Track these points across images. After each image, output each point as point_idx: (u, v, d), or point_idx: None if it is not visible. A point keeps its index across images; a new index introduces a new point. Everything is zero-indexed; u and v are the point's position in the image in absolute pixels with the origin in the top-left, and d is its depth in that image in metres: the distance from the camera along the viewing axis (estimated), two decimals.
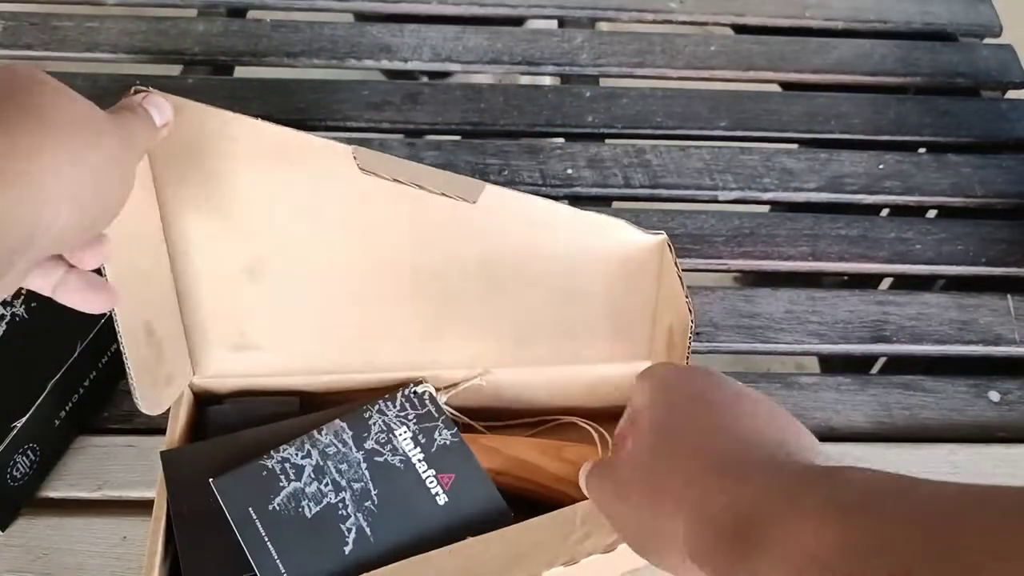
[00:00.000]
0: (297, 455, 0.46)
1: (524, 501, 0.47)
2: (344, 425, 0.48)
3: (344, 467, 0.46)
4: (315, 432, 0.47)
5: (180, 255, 0.47)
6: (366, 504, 0.45)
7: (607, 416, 0.50)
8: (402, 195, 0.44)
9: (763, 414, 0.34)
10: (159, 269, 0.47)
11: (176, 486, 0.46)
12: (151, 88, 0.40)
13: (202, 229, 0.46)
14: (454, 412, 0.51)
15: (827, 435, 0.59)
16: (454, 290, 0.49)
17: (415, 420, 0.48)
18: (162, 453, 0.47)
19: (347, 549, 0.43)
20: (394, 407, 0.49)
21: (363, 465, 0.46)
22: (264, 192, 0.45)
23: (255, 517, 0.44)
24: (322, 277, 0.48)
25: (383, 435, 0.48)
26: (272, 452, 0.46)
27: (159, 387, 0.48)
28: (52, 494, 0.54)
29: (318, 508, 0.45)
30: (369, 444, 0.47)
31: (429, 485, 0.46)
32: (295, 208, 0.46)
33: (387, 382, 0.51)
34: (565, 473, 0.48)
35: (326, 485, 0.45)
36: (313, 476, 0.46)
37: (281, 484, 0.45)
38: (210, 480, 0.45)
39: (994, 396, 0.62)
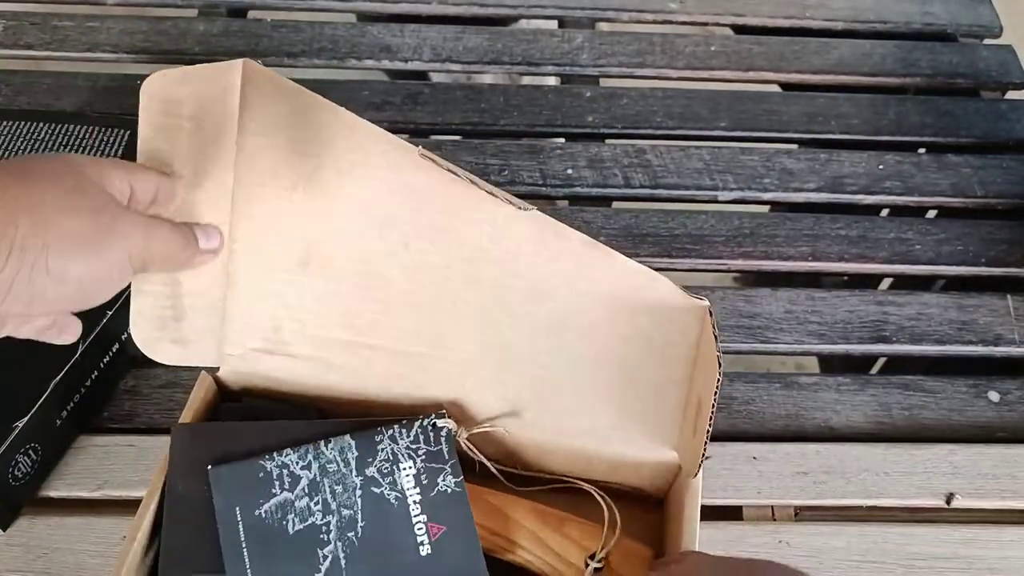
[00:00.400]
0: (298, 463, 0.45)
1: (511, 568, 0.46)
2: (352, 443, 0.46)
3: (339, 489, 0.44)
4: (322, 443, 0.46)
5: (242, 228, 0.46)
6: (349, 535, 0.43)
7: (623, 494, 0.49)
8: (457, 215, 0.45)
9: None
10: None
11: (179, 462, 0.45)
12: (211, 223, 0.44)
13: (268, 207, 0.46)
14: (471, 448, 0.48)
15: (827, 435, 0.59)
16: (492, 322, 0.47)
17: (424, 457, 0.46)
18: (177, 425, 0.46)
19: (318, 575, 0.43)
20: (407, 437, 0.46)
21: (358, 492, 0.44)
22: (335, 180, 0.45)
23: (239, 519, 0.43)
24: (366, 285, 0.47)
25: (387, 464, 0.45)
26: (275, 454, 0.45)
27: (164, 339, 0.47)
28: (52, 494, 0.54)
29: (302, 526, 0.43)
30: (370, 471, 0.45)
31: (417, 531, 0.44)
32: (359, 205, 0.46)
33: (407, 407, 0.49)
34: (562, 549, 0.46)
35: (316, 504, 0.44)
36: (306, 491, 0.44)
37: (273, 491, 0.44)
38: (208, 467, 0.45)
39: (994, 396, 0.62)
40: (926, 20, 0.88)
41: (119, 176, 0.39)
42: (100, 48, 0.79)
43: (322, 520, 0.44)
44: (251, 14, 0.85)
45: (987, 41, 0.87)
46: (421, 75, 0.84)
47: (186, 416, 0.48)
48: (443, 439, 0.46)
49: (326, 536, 0.43)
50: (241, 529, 0.43)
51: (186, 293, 0.46)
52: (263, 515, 0.43)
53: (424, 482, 0.45)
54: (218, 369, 0.49)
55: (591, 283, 0.46)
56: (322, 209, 0.46)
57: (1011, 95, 0.83)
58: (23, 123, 0.64)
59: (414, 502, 0.44)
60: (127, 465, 0.55)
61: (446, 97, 0.78)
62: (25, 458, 0.52)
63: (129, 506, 0.53)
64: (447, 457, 0.46)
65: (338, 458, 0.45)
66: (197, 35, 0.80)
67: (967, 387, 0.62)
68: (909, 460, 0.58)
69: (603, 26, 0.88)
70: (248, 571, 0.42)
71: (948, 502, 0.56)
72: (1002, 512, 0.57)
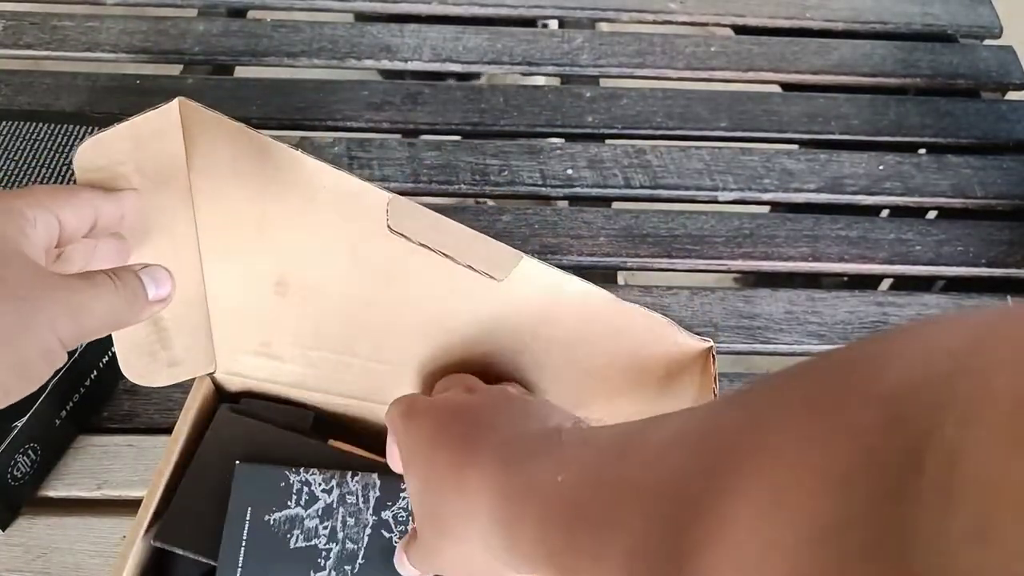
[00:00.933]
0: (320, 485, 0.45)
1: None
2: (377, 483, 0.46)
3: (351, 522, 0.45)
4: (349, 474, 0.46)
5: (212, 259, 0.46)
6: (346, 567, 0.44)
7: None
8: (429, 288, 0.43)
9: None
10: (184, 268, 0.46)
11: (220, 434, 0.46)
12: (153, 264, 0.38)
13: (235, 241, 0.45)
14: None
15: None
16: (474, 356, 0.47)
17: None
18: (226, 406, 0.48)
19: None
20: None
21: (368, 531, 0.45)
22: (297, 223, 0.44)
23: (247, 519, 0.44)
24: (345, 307, 0.47)
25: (404, 514, 0.46)
26: (301, 469, 0.46)
27: (156, 365, 0.47)
28: (51, 493, 0.54)
29: (304, 544, 0.44)
30: (386, 515, 0.45)
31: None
32: (327, 240, 0.44)
33: None
34: None
35: (325, 528, 0.44)
36: (319, 513, 0.45)
37: (289, 503, 0.45)
38: (236, 462, 0.45)
39: None
40: (926, 21, 0.88)
41: (40, 214, 0.33)
42: (100, 48, 0.79)
43: (325, 545, 0.44)
44: (251, 14, 0.85)
45: (987, 42, 0.87)
46: (419, 75, 0.84)
47: (184, 417, 0.48)
48: None
49: (323, 562, 0.44)
50: (246, 529, 0.44)
51: (166, 318, 0.46)
52: (271, 522, 0.44)
53: None
54: (215, 371, 0.49)
55: (590, 345, 0.44)
56: (288, 240, 0.45)
57: (1011, 96, 0.83)
58: (23, 123, 0.63)
59: None
60: (126, 465, 0.55)
61: (446, 97, 0.77)
62: (24, 458, 0.51)
63: (129, 506, 0.53)
64: None
65: (360, 492, 0.46)
66: (197, 35, 0.80)
67: None
68: None
69: (603, 26, 0.88)
70: (239, 570, 0.43)
71: None
72: None
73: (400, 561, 0.40)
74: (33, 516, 0.53)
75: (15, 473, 0.51)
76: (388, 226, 0.41)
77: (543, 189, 0.72)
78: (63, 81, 0.75)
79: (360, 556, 0.44)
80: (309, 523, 0.44)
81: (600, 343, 0.44)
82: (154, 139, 0.41)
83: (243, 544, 0.43)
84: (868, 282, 0.79)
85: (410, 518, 0.45)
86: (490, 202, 0.90)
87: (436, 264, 0.42)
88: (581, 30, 0.85)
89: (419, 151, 0.73)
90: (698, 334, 0.43)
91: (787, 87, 0.85)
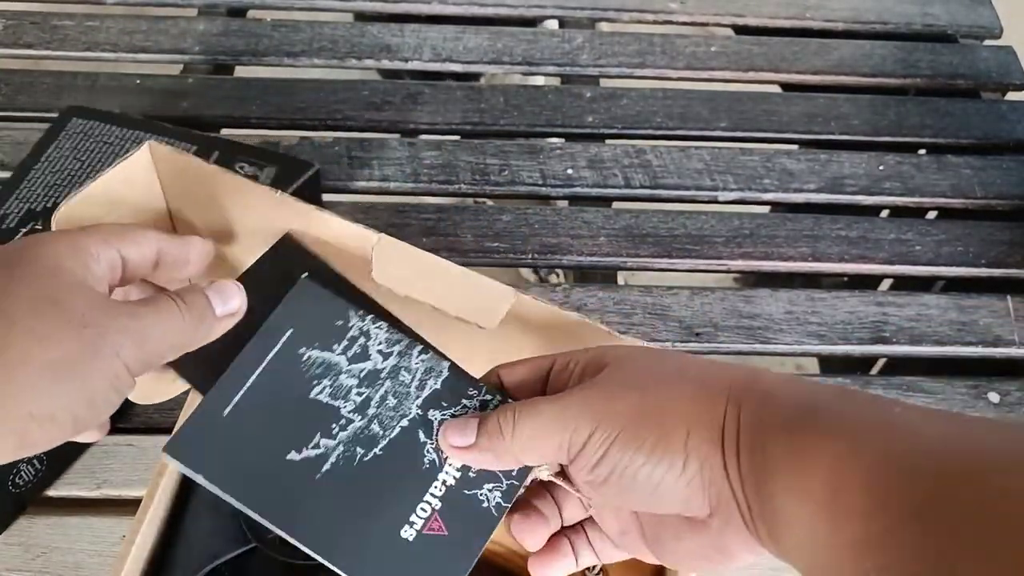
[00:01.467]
0: (380, 345, 0.38)
1: (495, 569, 0.45)
2: (445, 374, 0.37)
3: (391, 403, 0.37)
4: (418, 348, 0.38)
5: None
6: (357, 449, 0.36)
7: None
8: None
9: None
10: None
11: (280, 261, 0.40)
12: (221, 279, 0.37)
13: (221, 272, 0.46)
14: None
15: None
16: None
17: (477, 407, 0.38)
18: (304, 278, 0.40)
19: (293, 458, 0.35)
20: (480, 392, 0.38)
21: (403, 422, 0.36)
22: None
23: (282, 340, 0.37)
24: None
25: (448, 400, 0.37)
26: (369, 317, 0.38)
27: (161, 384, 0.47)
28: (51, 493, 0.54)
29: (326, 400, 0.36)
30: (434, 415, 0.37)
31: (418, 511, 0.35)
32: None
33: None
34: None
35: (359, 394, 0.36)
36: (362, 375, 0.37)
37: (335, 346, 0.37)
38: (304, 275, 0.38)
39: (994, 397, 0.62)
40: (926, 21, 0.88)
41: (104, 250, 0.34)
42: (100, 47, 0.79)
43: (349, 413, 0.36)
44: (251, 14, 0.85)
45: (987, 42, 0.87)
46: (419, 75, 0.84)
47: (184, 417, 0.48)
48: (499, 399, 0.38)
49: (336, 431, 0.36)
50: (275, 352, 0.37)
51: None
52: (304, 357, 0.37)
53: (471, 475, 0.36)
54: None
55: None
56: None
57: (1011, 96, 0.83)
58: (97, 123, 0.63)
59: (441, 482, 0.36)
60: (126, 465, 0.55)
61: (446, 97, 0.77)
62: (28, 467, 0.52)
63: (128, 506, 0.53)
64: (516, 472, 0.36)
65: (418, 375, 0.37)
66: (197, 34, 0.80)
67: (967, 388, 0.62)
68: None
69: (603, 26, 0.88)
70: (242, 391, 0.36)
71: None
72: None
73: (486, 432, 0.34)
74: (32, 515, 0.53)
75: (17, 481, 0.51)
76: (373, 278, 0.40)
77: (543, 189, 0.72)
78: (63, 80, 0.75)
79: (379, 446, 0.36)
80: (345, 380, 0.37)
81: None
82: (129, 187, 0.41)
83: (262, 365, 0.37)
84: (868, 282, 0.79)
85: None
86: (489, 202, 0.91)
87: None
88: (581, 30, 0.85)
89: (419, 151, 0.73)
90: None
91: (787, 87, 0.85)
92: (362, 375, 0.37)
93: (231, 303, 0.36)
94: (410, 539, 0.34)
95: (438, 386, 0.37)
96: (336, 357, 0.37)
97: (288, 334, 0.37)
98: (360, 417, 0.36)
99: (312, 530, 0.34)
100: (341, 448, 0.35)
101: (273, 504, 0.34)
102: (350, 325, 0.38)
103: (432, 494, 0.35)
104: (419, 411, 0.37)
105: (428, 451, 0.36)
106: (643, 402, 0.31)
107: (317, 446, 0.35)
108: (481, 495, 0.36)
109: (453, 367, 0.38)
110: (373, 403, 0.36)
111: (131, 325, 0.32)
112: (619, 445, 0.31)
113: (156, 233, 0.37)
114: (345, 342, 0.37)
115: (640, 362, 0.34)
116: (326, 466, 0.35)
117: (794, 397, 0.30)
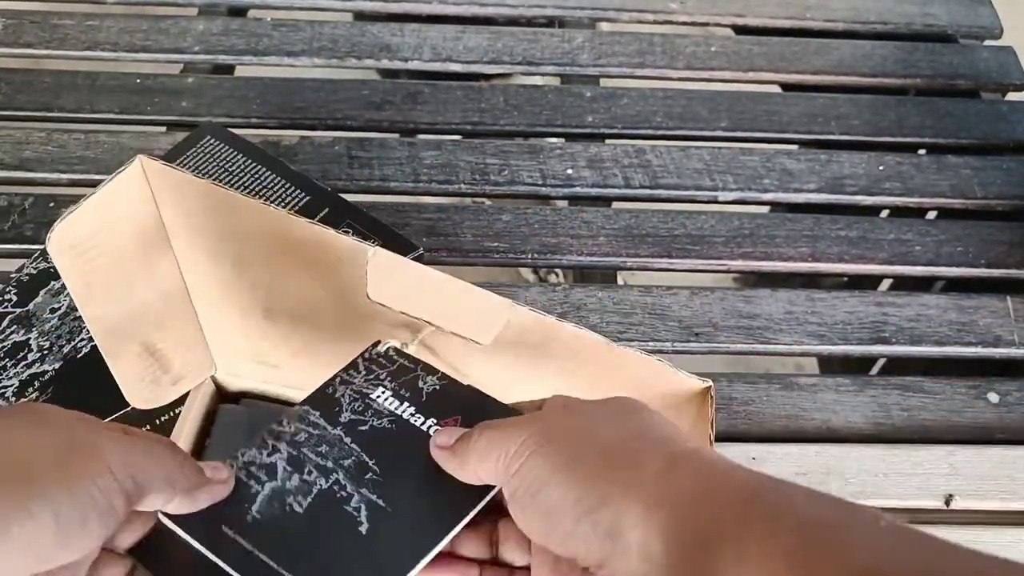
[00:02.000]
0: (262, 455, 0.38)
1: None
2: (308, 408, 0.40)
3: (324, 449, 0.39)
4: (274, 425, 0.40)
5: (198, 289, 0.46)
6: (366, 477, 0.38)
7: None
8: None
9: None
10: (172, 293, 0.46)
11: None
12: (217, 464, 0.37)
13: (219, 275, 0.46)
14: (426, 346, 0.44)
15: (826, 436, 0.59)
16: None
17: (389, 377, 0.42)
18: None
19: (363, 528, 0.36)
20: (359, 375, 0.42)
21: (346, 439, 0.39)
22: (276, 261, 0.45)
23: (233, 535, 0.36)
24: (334, 328, 0.47)
25: (358, 403, 0.41)
26: (230, 460, 0.38)
27: (160, 388, 0.47)
28: None
29: (309, 500, 0.37)
30: (344, 417, 0.40)
31: (434, 433, 0.38)
32: (305, 282, 0.45)
33: None
34: None
35: (309, 474, 0.38)
36: (290, 469, 0.38)
37: (255, 489, 0.37)
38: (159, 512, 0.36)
39: (993, 398, 0.62)
40: (926, 21, 0.88)
41: (120, 467, 0.31)
42: (100, 47, 0.78)
43: (328, 483, 0.38)
44: (251, 13, 0.85)
45: (987, 42, 0.87)
46: (419, 74, 0.84)
47: (184, 417, 0.48)
48: (395, 355, 0.43)
49: (343, 492, 0.38)
50: (244, 541, 0.36)
51: (161, 343, 0.46)
52: (259, 516, 0.37)
53: (406, 394, 0.41)
54: (215, 371, 0.49)
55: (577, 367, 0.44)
56: (267, 275, 0.46)
57: (1011, 96, 0.83)
58: (222, 145, 0.63)
59: (410, 414, 0.40)
60: None
61: (446, 97, 0.77)
62: None
63: None
64: (411, 365, 0.42)
65: (303, 427, 0.40)
66: (197, 34, 0.80)
67: (966, 388, 0.62)
68: (908, 461, 0.58)
69: (603, 26, 0.88)
70: (282, 571, 0.36)
71: (947, 503, 0.56)
72: (1001, 513, 0.57)
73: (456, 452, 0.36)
74: None
75: None
76: (367, 296, 0.40)
77: (543, 189, 0.72)
78: (63, 80, 0.75)
79: (368, 459, 0.39)
80: (291, 484, 0.38)
81: (597, 378, 0.42)
82: (121, 202, 0.41)
83: (257, 552, 0.36)
84: (868, 282, 0.79)
85: (365, 401, 0.41)
86: (488, 202, 0.91)
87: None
88: (581, 30, 0.85)
89: (419, 150, 0.73)
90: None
91: (787, 87, 0.85)
92: (291, 467, 0.38)
93: (221, 471, 0.36)
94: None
95: (316, 412, 0.40)
96: (267, 488, 0.37)
97: (229, 531, 0.36)
98: (335, 472, 0.38)
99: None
100: (364, 490, 0.37)
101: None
102: (238, 476, 0.38)
103: (420, 423, 0.39)
104: (339, 428, 0.39)
105: (379, 425, 0.39)
106: (581, 429, 0.33)
107: (357, 509, 0.37)
108: (429, 387, 0.40)
109: (303, 402, 0.40)
110: (322, 462, 0.38)
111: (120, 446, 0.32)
112: (540, 455, 0.32)
113: (176, 460, 0.35)
114: (252, 481, 0.38)
115: (598, 412, 0.35)
116: (380, 502, 0.37)
117: (736, 492, 0.29)
